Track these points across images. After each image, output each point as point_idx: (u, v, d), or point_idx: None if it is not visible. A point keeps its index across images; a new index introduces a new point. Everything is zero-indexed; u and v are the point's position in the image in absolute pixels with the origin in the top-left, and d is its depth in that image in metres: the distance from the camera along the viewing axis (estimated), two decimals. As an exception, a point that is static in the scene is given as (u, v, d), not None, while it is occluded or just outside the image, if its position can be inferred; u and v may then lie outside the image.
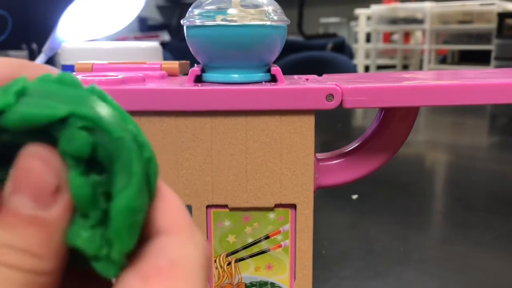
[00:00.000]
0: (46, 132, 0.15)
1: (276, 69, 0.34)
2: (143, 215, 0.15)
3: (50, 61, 0.74)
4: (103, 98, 0.15)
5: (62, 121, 0.15)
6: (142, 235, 0.16)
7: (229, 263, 0.34)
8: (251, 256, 0.34)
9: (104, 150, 0.15)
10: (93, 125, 0.15)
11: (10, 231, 0.14)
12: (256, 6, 0.32)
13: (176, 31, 2.72)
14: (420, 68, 3.57)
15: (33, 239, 0.14)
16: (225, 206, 0.33)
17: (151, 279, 0.14)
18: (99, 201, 0.15)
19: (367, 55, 3.71)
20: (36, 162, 0.14)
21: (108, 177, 0.15)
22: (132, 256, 0.15)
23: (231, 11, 0.31)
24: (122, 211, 0.14)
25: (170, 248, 0.15)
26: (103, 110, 0.15)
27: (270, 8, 0.32)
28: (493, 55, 3.02)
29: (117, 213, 0.14)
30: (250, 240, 0.34)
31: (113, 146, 0.15)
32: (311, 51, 2.40)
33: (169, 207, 0.16)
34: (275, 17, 0.32)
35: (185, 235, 0.16)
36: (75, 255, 0.15)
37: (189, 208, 0.33)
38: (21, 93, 0.15)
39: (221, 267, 0.34)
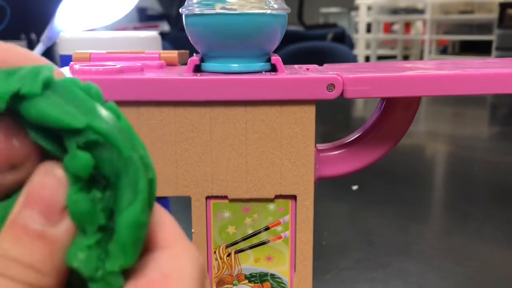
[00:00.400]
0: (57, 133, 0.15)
1: (276, 59, 0.33)
2: (146, 231, 0.16)
3: (48, 51, 0.74)
4: (118, 116, 0.16)
5: (77, 131, 0.15)
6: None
7: (228, 255, 0.34)
8: (251, 247, 0.34)
9: (111, 166, 0.15)
10: (105, 141, 0.15)
11: (17, 245, 0.14)
12: (256, -6, 0.31)
13: (176, 21, 2.70)
14: (421, 58, 3.56)
15: (38, 255, 0.14)
16: (225, 197, 0.33)
17: None
18: (97, 218, 0.15)
19: (368, 46, 3.70)
20: (50, 180, 0.15)
21: (112, 193, 0.15)
22: (128, 272, 0.15)
23: (230, -1, 0.31)
24: (129, 225, 0.15)
25: (163, 261, 0.16)
26: (116, 128, 0.15)
27: (270, -3, 0.32)
28: (494, 45, 3.01)
29: (124, 227, 0.15)
30: (250, 231, 0.34)
31: (121, 164, 0.15)
32: (311, 41, 2.39)
33: (162, 222, 0.17)
34: (275, 6, 0.32)
35: (178, 249, 0.16)
36: (77, 277, 0.15)
37: (189, 199, 0.33)
38: (47, 85, 0.15)
39: (220, 258, 0.34)
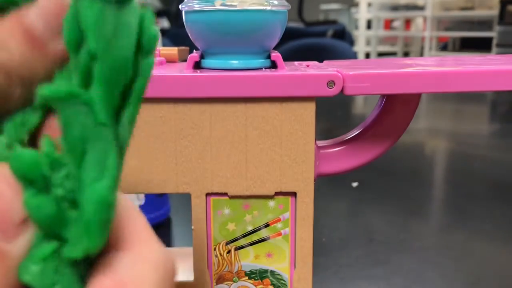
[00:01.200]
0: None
1: (276, 55, 0.33)
2: (112, 216, 0.13)
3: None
4: (139, 96, 0.14)
5: (86, 54, 0.13)
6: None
7: (228, 251, 0.34)
8: (251, 244, 0.34)
9: (81, 132, 0.13)
10: (85, 102, 0.13)
11: None
12: (256, -10, 0.31)
13: (176, 17, 2.70)
14: (421, 55, 3.56)
15: None
16: (225, 194, 0.33)
17: None
18: (67, 217, 0.13)
19: (368, 42, 3.70)
20: (6, 188, 0.13)
21: (73, 181, 0.13)
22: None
23: (230, -5, 0.31)
24: (96, 202, 0.13)
25: (122, 266, 0.13)
26: (110, 90, 0.13)
27: (270, -7, 0.32)
28: (494, 42, 3.00)
29: (89, 204, 0.13)
30: (250, 228, 0.34)
31: (93, 132, 0.13)
32: (311, 38, 2.39)
33: (128, 219, 0.15)
34: (275, 2, 0.31)
35: (141, 252, 0.14)
36: None
37: (189, 196, 0.33)
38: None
39: (220, 255, 0.34)
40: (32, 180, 0.13)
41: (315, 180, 0.33)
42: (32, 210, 0.13)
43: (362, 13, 3.62)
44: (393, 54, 3.77)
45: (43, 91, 0.13)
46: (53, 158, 0.13)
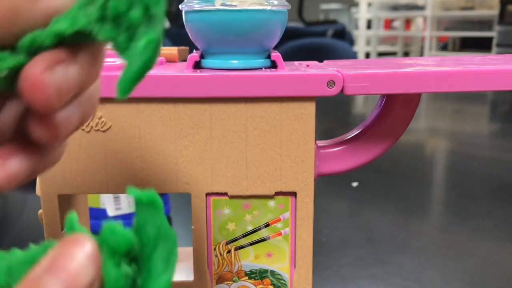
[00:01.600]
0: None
1: (276, 55, 0.33)
2: None
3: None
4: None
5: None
6: None
7: (228, 251, 0.34)
8: (251, 244, 0.34)
9: (154, 232, 0.15)
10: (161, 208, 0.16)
11: None
12: (256, -10, 0.31)
13: (176, 17, 2.70)
14: (421, 55, 3.56)
15: None
16: (225, 194, 0.33)
17: None
18: None
19: (368, 42, 3.70)
20: (80, 252, 0.14)
21: (138, 265, 0.15)
22: None
23: (230, -5, 0.31)
24: None
25: None
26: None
27: (270, -7, 0.32)
28: (494, 41, 3.01)
29: None
30: (250, 228, 0.34)
31: (164, 233, 0.15)
32: (311, 37, 2.39)
33: None
34: (275, 2, 0.31)
35: None
36: None
37: (189, 196, 0.33)
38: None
39: (220, 255, 0.34)
40: (117, 254, 0.15)
41: (315, 180, 0.33)
42: (110, 280, 0.14)
43: (362, 13, 3.62)
44: (393, 54, 3.77)
45: (132, 193, 0.16)
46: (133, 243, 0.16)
